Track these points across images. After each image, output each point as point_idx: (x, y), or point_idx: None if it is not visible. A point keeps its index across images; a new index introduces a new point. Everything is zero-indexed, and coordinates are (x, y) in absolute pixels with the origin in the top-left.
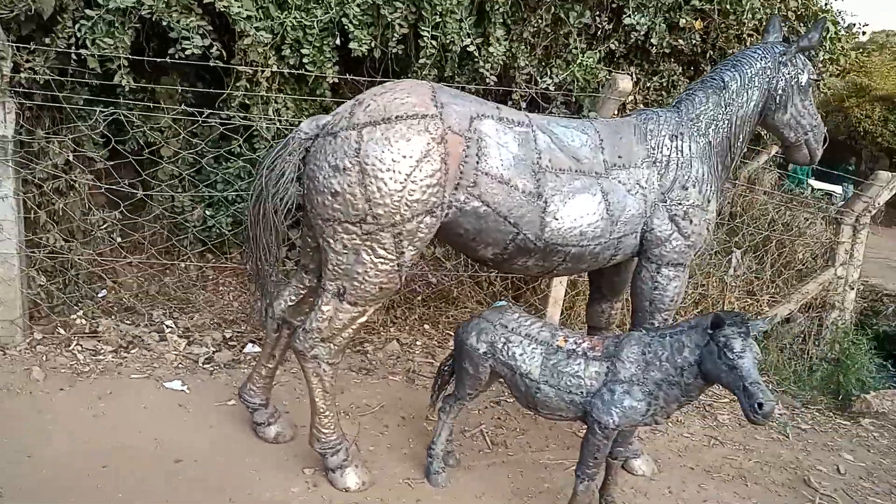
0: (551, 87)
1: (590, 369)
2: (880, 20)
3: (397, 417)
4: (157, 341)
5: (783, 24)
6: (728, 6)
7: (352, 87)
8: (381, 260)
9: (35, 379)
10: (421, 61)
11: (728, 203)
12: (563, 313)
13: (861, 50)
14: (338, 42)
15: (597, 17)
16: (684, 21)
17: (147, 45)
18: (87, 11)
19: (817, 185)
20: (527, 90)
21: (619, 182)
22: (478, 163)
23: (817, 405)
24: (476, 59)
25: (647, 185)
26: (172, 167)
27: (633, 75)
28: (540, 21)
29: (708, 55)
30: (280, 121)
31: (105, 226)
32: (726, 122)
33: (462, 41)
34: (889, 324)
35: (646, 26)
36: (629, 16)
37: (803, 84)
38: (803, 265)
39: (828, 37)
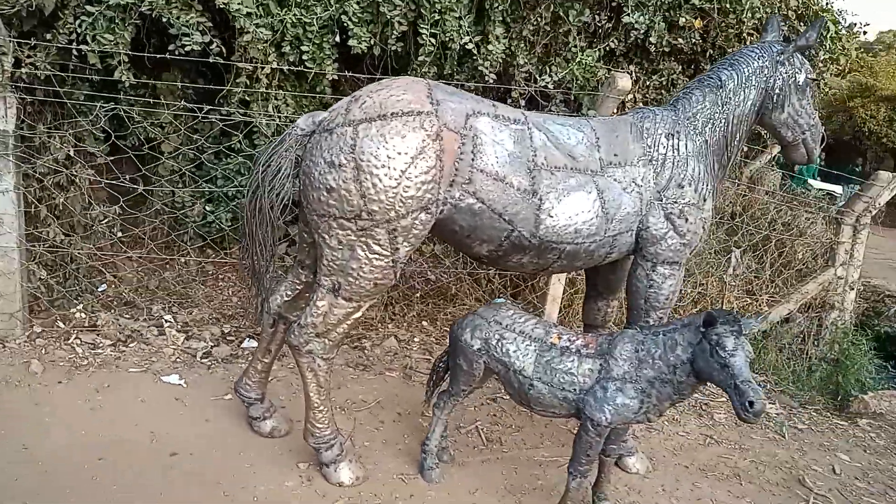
0: (550, 86)
1: (583, 366)
2: (881, 20)
3: (393, 413)
4: (155, 335)
5: (783, 24)
6: (728, 5)
7: (351, 84)
8: (376, 256)
9: (34, 372)
10: (420, 59)
11: (730, 203)
12: (561, 311)
13: (868, 50)
14: (337, 39)
15: (596, 16)
16: (684, 20)
17: (147, 41)
18: (88, 7)
19: (817, 184)
20: (526, 88)
21: (615, 180)
22: (473, 160)
23: (815, 405)
24: (475, 57)
25: (642, 184)
26: (173, 163)
27: (633, 74)
28: (539, 19)
29: (708, 54)
30: (280, 117)
31: (105, 220)
32: (723, 120)
33: (461, 39)
34: (891, 325)
35: (645, 25)
36: (628, 14)
37: (801, 83)
38: (803, 265)
39: (828, 36)
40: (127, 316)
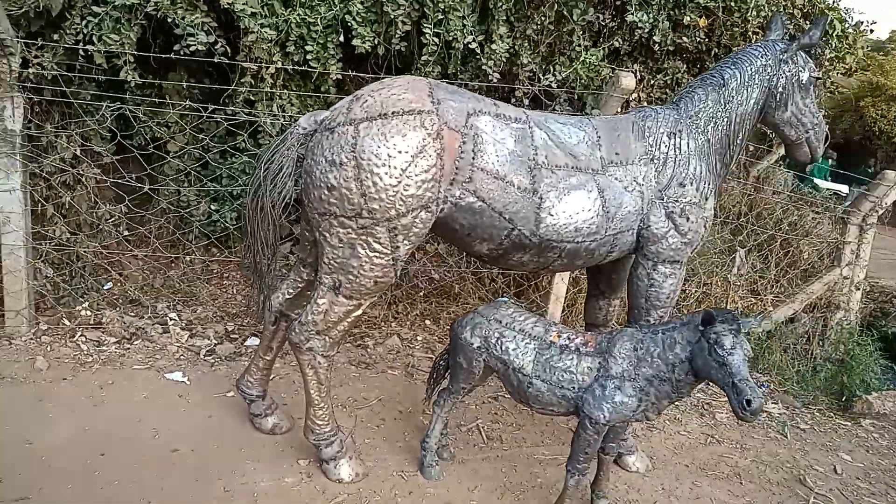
0: (554, 85)
1: (582, 365)
2: (889, 18)
3: (395, 411)
4: (160, 333)
5: (789, 22)
6: (733, 3)
7: (356, 84)
8: (377, 254)
9: (39, 368)
10: (424, 58)
11: (735, 202)
12: (564, 310)
13: (881, 49)
14: (341, 39)
15: (600, 15)
16: (689, 18)
17: (153, 41)
18: (94, 8)
19: (824, 184)
20: (530, 87)
21: (616, 179)
22: (474, 158)
23: (818, 405)
24: (479, 57)
25: (644, 182)
26: (178, 162)
27: (638, 73)
28: (543, 18)
29: (713, 53)
30: (284, 116)
31: (111, 219)
32: (725, 119)
33: (465, 38)
34: None
35: (649, 24)
36: (632, 13)
37: (804, 82)
38: (809, 265)
39: (833, 34)
40: (132, 314)
